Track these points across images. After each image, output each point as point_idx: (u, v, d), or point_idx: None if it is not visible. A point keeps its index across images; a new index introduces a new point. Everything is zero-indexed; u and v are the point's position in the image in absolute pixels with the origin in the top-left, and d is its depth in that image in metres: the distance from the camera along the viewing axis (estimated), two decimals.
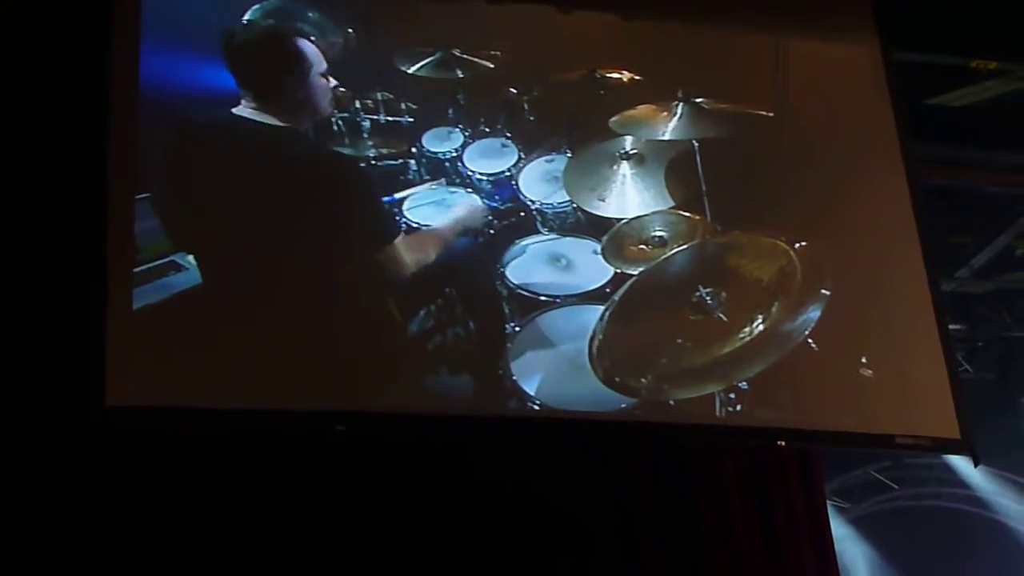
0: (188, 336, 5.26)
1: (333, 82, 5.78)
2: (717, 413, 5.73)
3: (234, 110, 5.59)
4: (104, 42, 5.55)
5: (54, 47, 5.61)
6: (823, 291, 5.87)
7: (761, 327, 5.74)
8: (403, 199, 5.85)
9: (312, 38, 5.90)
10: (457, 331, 5.63)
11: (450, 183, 5.98)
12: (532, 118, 6.18)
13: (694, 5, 6.62)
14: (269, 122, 5.61)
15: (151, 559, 5.29)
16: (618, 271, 5.83)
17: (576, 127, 6.21)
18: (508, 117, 6.16)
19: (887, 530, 10.36)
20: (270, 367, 5.27)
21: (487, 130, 6.13)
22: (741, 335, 5.72)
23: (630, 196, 6.06)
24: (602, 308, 5.72)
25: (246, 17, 5.83)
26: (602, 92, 6.30)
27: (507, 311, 5.74)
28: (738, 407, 5.72)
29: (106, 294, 5.17)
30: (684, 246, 5.96)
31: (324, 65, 5.77)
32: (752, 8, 6.63)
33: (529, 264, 5.86)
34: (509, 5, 6.36)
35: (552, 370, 5.64)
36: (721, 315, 5.78)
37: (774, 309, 5.79)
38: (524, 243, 5.92)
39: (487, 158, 6.06)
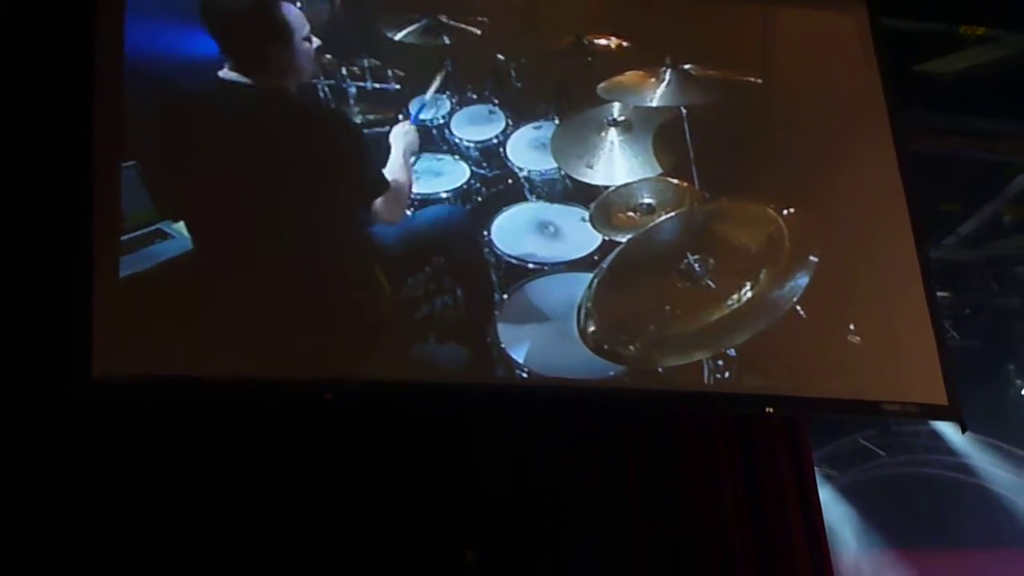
0: (175, 305, 5.25)
1: (317, 43, 5.76)
2: (705, 380, 5.74)
3: (220, 73, 5.57)
4: (89, 10, 5.52)
5: (39, 16, 5.57)
6: (811, 258, 5.88)
7: (749, 294, 5.74)
8: None
9: (298, 3, 5.88)
10: (445, 299, 5.63)
11: (437, 150, 5.95)
12: (520, 85, 6.16)
13: None
14: (255, 83, 5.59)
15: (139, 528, 5.28)
16: (606, 238, 5.84)
17: (564, 94, 6.19)
18: (496, 84, 6.13)
19: (875, 497, 10.35)
20: (257, 335, 5.26)
21: (474, 97, 6.10)
22: (729, 302, 5.73)
23: (618, 163, 6.06)
24: (590, 276, 5.72)
25: None
26: (590, 59, 6.29)
27: (495, 279, 5.74)
28: (726, 374, 5.73)
29: (92, 263, 5.16)
30: (672, 213, 5.95)
31: (307, 28, 5.75)
32: None
33: (517, 232, 5.85)
34: None
35: (540, 338, 5.64)
36: (709, 282, 5.78)
37: (762, 276, 5.79)
38: (512, 211, 5.89)
39: (474, 125, 6.05)
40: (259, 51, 5.67)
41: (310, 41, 5.73)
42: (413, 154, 5.86)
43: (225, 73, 5.57)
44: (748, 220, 6.00)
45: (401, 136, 5.87)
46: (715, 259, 5.84)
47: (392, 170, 5.77)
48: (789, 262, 5.85)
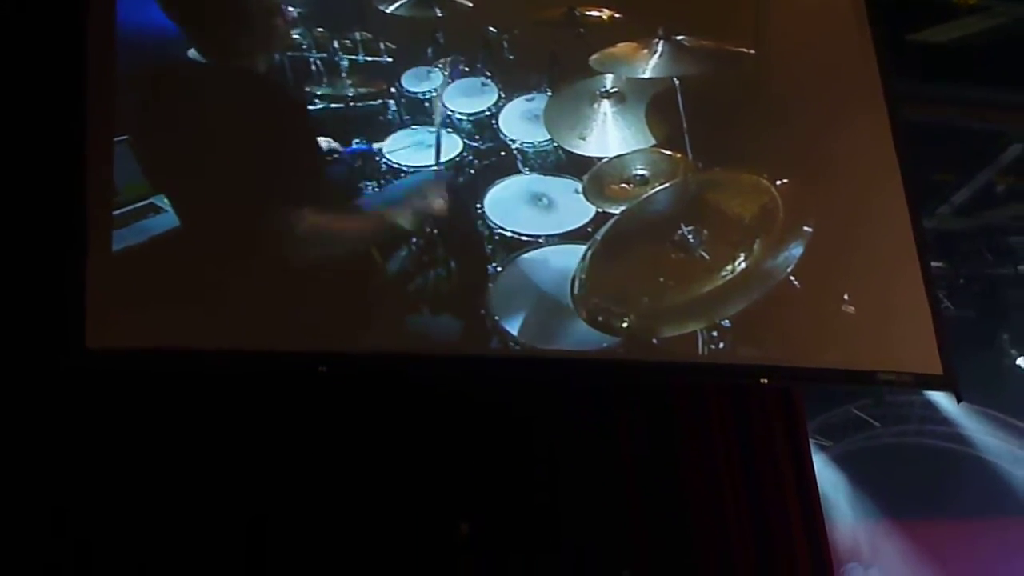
0: (168, 278, 5.24)
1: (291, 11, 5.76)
2: (700, 351, 5.75)
3: (189, 52, 5.56)
4: None
5: None
6: (805, 228, 5.87)
7: (743, 265, 5.74)
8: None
9: None
10: (438, 271, 5.63)
11: (430, 123, 5.93)
12: (512, 57, 6.15)
13: None
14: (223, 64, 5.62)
15: (132, 499, 5.28)
16: (599, 210, 5.83)
17: (556, 65, 6.17)
18: (488, 56, 6.12)
19: (869, 468, 10.37)
20: (251, 308, 5.26)
21: (467, 69, 6.09)
22: (723, 273, 5.72)
23: (611, 134, 6.05)
24: (584, 247, 5.71)
25: None
26: (582, 30, 6.27)
27: (488, 251, 5.72)
28: (721, 345, 5.73)
29: (85, 236, 5.15)
30: (665, 184, 5.94)
31: (279, 6, 5.79)
32: None
33: (510, 204, 5.85)
34: None
35: (534, 310, 5.64)
36: (703, 253, 5.77)
37: (756, 246, 5.79)
38: (505, 183, 5.89)
39: (467, 97, 6.03)
40: (225, 43, 5.67)
41: (281, 15, 5.73)
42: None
43: (191, 54, 5.57)
44: (742, 190, 5.99)
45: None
46: (709, 230, 5.84)
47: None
48: (783, 232, 5.85)
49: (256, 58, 5.71)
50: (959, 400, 6.59)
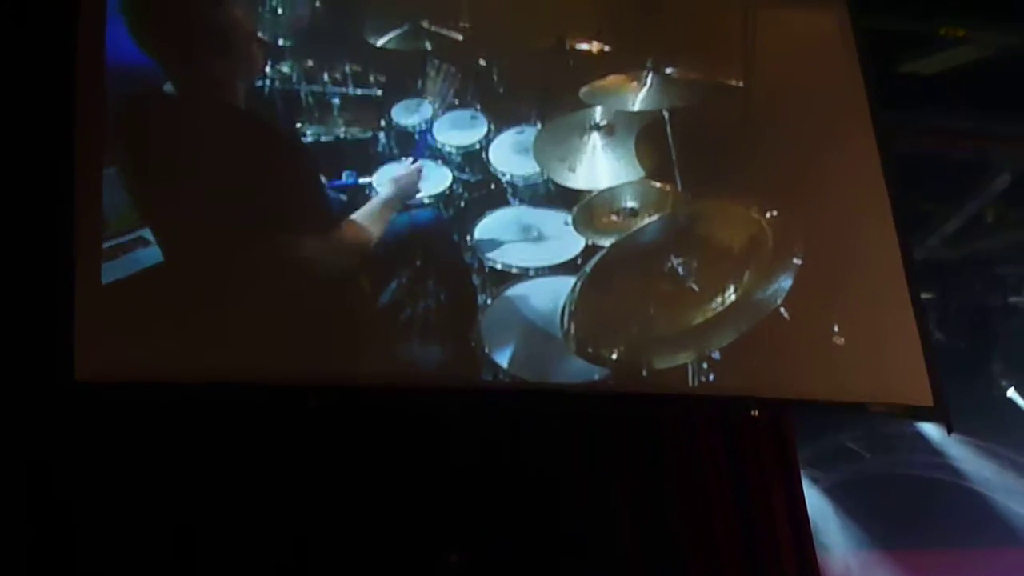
0: (158, 310, 5.22)
1: (262, 36, 5.81)
2: (690, 383, 5.74)
3: (164, 87, 5.56)
4: (71, 16, 5.50)
5: (20, 17, 5.55)
6: (795, 260, 5.88)
7: (733, 296, 5.75)
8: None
9: (280, 11, 5.88)
10: (428, 303, 5.63)
11: (420, 156, 5.94)
12: (502, 90, 6.16)
13: None
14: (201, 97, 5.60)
15: (119, 532, 5.26)
16: (590, 242, 5.83)
17: (546, 98, 6.18)
18: (477, 89, 6.13)
19: (860, 498, 10.37)
20: (241, 340, 5.25)
21: (456, 102, 6.09)
22: (713, 304, 5.73)
23: (601, 167, 6.06)
24: (574, 279, 5.71)
25: None
26: (571, 63, 6.28)
27: (478, 283, 5.73)
28: (711, 376, 5.73)
29: (74, 269, 5.14)
30: (655, 216, 5.95)
31: (251, 26, 5.80)
32: None
33: (500, 236, 5.85)
34: None
35: (524, 342, 5.64)
36: (693, 284, 5.78)
37: (746, 278, 5.80)
38: (495, 215, 5.89)
39: (457, 130, 6.04)
40: (201, 70, 5.64)
41: (257, 42, 5.75)
42: (405, 198, 5.84)
43: (168, 88, 5.56)
44: (731, 222, 6.00)
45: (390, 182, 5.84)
46: (698, 261, 5.85)
47: (363, 215, 5.73)
48: (772, 264, 5.86)
49: (237, 87, 5.69)
50: (950, 431, 6.59)
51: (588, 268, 5.73)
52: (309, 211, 5.68)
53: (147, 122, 5.58)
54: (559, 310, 5.66)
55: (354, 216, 5.67)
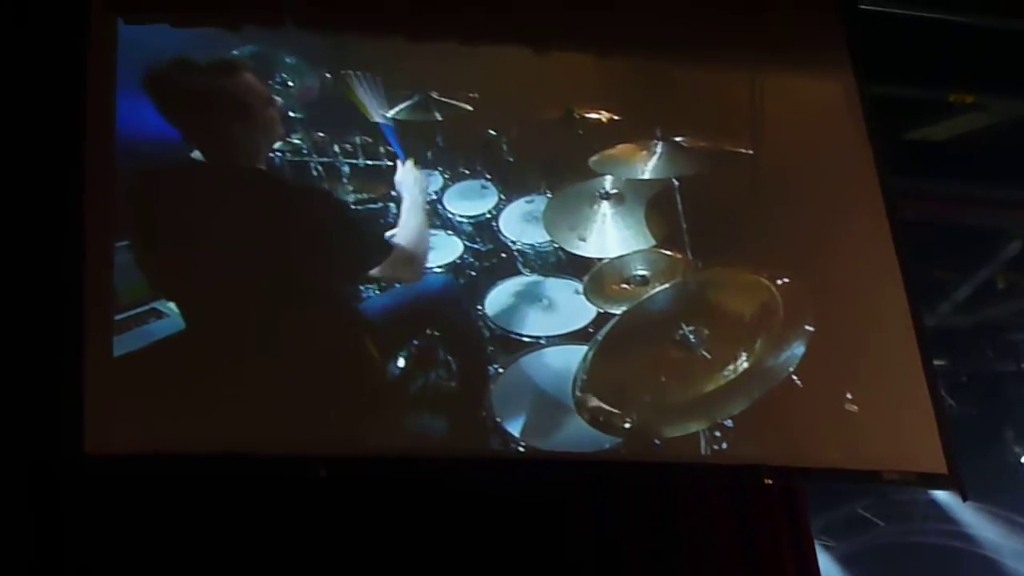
0: (168, 382, 5.22)
1: (280, 103, 5.85)
2: (702, 451, 5.71)
3: (192, 154, 5.57)
4: (80, 88, 5.53)
5: (29, 94, 5.58)
6: (806, 327, 5.86)
7: (745, 364, 5.73)
8: None
9: (290, 83, 5.91)
10: (439, 372, 5.62)
11: (430, 225, 5.95)
12: (511, 159, 6.18)
13: (669, 44, 6.62)
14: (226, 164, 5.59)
15: None
16: (601, 310, 5.82)
17: (555, 167, 6.21)
18: (487, 158, 6.15)
19: (874, 567, 10.34)
20: (251, 411, 5.23)
21: (466, 172, 6.12)
22: (725, 372, 5.71)
23: (611, 235, 6.07)
24: (585, 348, 5.70)
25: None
26: (580, 132, 6.30)
27: (489, 352, 5.72)
28: (723, 445, 5.70)
29: (85, 342, 5.14)
30: (666, 284, 5.95)
31: (267, 95, 5.82)
32: (727, 46, 6.64)
33: (511, 305, 5.85)
34: (485, 47, 6.36)
35: (536, 411, 5.62)
36: (704, 352, 5.76)
37: (757, 346, 5.78)
38: (505, 284, 5.90)
39: (467, 200, 6.05)
40: (222, 135, 5.65)
41: (273, 106, 5.77)
42: (425, 198, 5.91)
43: (196, 154, 5.57)
44: (742, 289, 6.00)
45: (408, 184, 5.88)
46: (710, 329, 5.83)
47: (403, 231, 5.77)
48: (784, 331, 5.84)
49: (259, 150, 5.71)
50: (964, 499, 6.56)
51: (599, 336, 5.73)
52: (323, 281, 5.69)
53: (159, 194, 5.59)
54: (570, 379, 5.64)
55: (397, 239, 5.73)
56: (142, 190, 5.56)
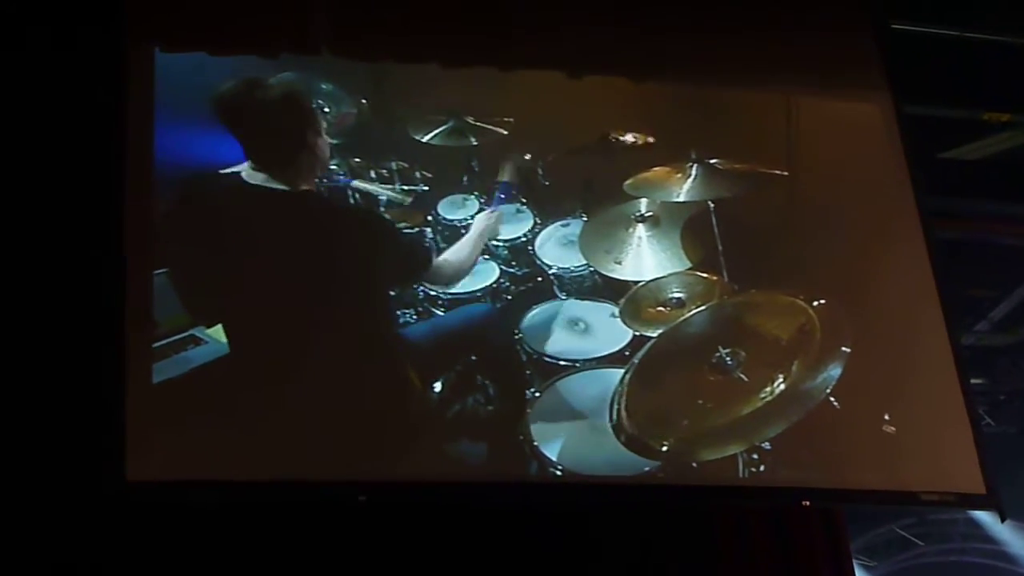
0: (208, 409, 5.25)
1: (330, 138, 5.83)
2: (740, 474, 5.70)
3: (243, 175, 5.57)
4: (119, 117, 5.57)
5: (69, 122, 5.63)
6: (843, 348, 5.84)
7: (782, 387, 5.70)
8: None
9: (325, 108, 5.94)
10: (477, 397, 5.64)
11: None
12: (547, 183, 6.20)
13: (704, 66, 6.62)
14: (280, 188, 5.58)
15: None
16: (637, 333, 5.83)
17: (591, 191, 6.23)
18: (522, 183, 6.17)
19: None
20: (290, 437, 5.25)
21: (502, 196, 6.13)
22: (762, 395, 5.69)
23: (646, 258, 6.07)
24: (622, 371, 5.71)
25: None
26: (615, 155, 6.31)
27: (527, 376, 5.73)
28: (761, 467, 5.69)
29: (124, 369, 5.18)
30: (702, 307, 5.95)
31: (323, 123, 5.83)
32: (762, 68, 6.64)
33: (548, 329, 5.86)
34: (520, 72, 6.38)
35: (573, 435, 5.62)
36: (741, 375, 5.75)
37: (794, 368, 5.76)
38: (542, 308, 5.91)
39: (503, 224, 6.07)
40: (285, 151, 5.66)
41: (324, 135, 5.78)
42: (491, 236, 5.99)
43: (248, 175, 5.58)
44: (778, 311, 5.98)
45: (483, 220, 5.95)
46: (746, 352, 5.82)
47: (456, 247, 5.88)
48: (821, 353, 5.82)
49: (307, 179, 5.72)
50: (1003, 519, 6.53)
51: (636, 360, 5.73)
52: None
53: (197, 221, 5.61)
54: (607, 402, 5.64)
55: (445, 255, 5.84)
56: (180, 217, 5.59)
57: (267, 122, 5.61)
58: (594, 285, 6.02)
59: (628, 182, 6.23)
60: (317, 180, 5.80)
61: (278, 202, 5.58)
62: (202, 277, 5.55)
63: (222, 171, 5.62)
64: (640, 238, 6.12)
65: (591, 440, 5.61)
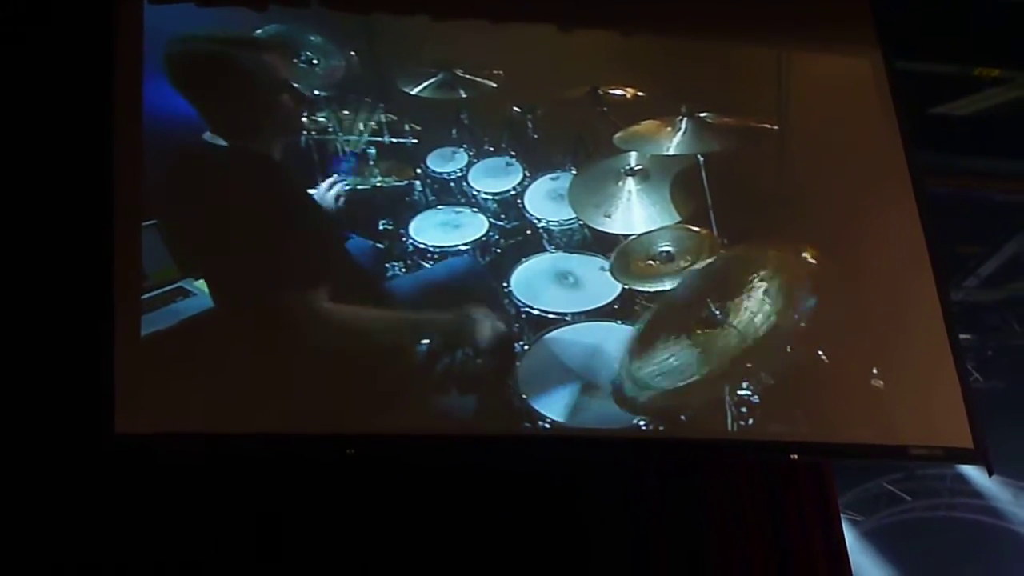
0: (197, 361, 5.25)
1: (296, 89, 5.84)
2: (729, 428, 5.72)
3: (204, 136, 5.58)
4: (107, 70, 5.55)
5: (58, 77, 5.60)
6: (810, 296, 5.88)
7: (766, 326, 5.73)
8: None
9: (315, 62, 5.92)
10: (466, 351, 5.61)
11: (455, 203, 5.97)
12: (536, 136, 6.18)
13: (695, 20, 6.61)
14: (232, 145, 5.59)
15: None
16: (626, 287, 5.82)
17: (580, 144, 6.21)
18: (512, 136, 6.15)
19: (901, 542, 10.33)
20: (278, 390, 5.25)
21: (491, 149, 6.12)
22: (749, 338, 5.71)
23: (636, 212, 6.06)
24: (611, 324, 5.73)
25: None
26: (605, 109, 6.30)
27: (515, 330, 5.72)
28: (750, 421, 5.71)
29: (113, 321, 5.17)
30: (692, 264, 5.94)
31: (284, 78, 5.83)
32: (753, 21, 6.63)
33: (536, 282, 5.85)
34: (510, 24, 6.36)
35: (562, 388, 5.63)
36: (729, 325, 5.75)
37: (777, 309, 5.78)
38: (531, 261, 5.91)
39: (492, 177, 6.06)
40: (234, 115, 5.67)
41: (287, 89, 5.78)
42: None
43: (208, 136, 5.58)
44: (767, 265, 5.98)
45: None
46: (732, 302, 5.82)
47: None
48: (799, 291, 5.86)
49: (274, 138, 5.71)
50: (991, 473, 6.55)
51: (638, 328, 5.75)
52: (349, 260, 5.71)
53: (185, 173, 5.61)
54: (597, 355, 5.65)
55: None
56: (169, 171, 5.57)
57: (208, 81, 5.70)
58: (583, 239, 6.01)
59: (618, 135, 6.21)
60: (303, 134, 5.79)
61: (243, 159, 5.65)
62: (188, 229, 5.53)
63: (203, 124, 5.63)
64: (630, 192, 6.10)
65: (580, 393, 5.62)
